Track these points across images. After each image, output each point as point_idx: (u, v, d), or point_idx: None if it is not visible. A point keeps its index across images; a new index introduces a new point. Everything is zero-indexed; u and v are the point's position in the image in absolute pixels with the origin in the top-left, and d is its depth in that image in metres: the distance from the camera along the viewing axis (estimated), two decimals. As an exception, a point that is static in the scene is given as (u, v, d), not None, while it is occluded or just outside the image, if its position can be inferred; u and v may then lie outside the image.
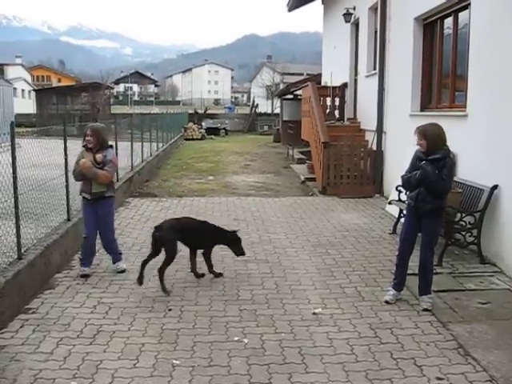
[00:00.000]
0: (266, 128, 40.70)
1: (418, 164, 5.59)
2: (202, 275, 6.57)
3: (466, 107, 8.20)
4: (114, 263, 6.85)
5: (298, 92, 23.63)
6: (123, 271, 6.74)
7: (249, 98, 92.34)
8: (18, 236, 5.82)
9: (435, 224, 5.69)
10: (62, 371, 4.28)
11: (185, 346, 4.75)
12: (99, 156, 6.42)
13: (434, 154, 5.45)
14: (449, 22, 9.41)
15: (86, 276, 6.52)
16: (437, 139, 5.47)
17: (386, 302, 5.75)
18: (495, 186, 7.08)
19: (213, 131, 37.50)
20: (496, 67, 7.27)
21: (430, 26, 10.17)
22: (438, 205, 5.54)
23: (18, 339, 4.82)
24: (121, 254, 6.95)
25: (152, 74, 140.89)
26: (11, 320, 5.18)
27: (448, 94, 9.43)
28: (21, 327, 5.07)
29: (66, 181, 7.58)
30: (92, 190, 6.49)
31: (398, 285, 5.86)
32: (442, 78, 9.80)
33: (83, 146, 6.55)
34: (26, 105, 49.16)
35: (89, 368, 4.33)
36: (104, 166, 6.44)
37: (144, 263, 6.17)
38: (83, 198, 6.64)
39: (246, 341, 4.85)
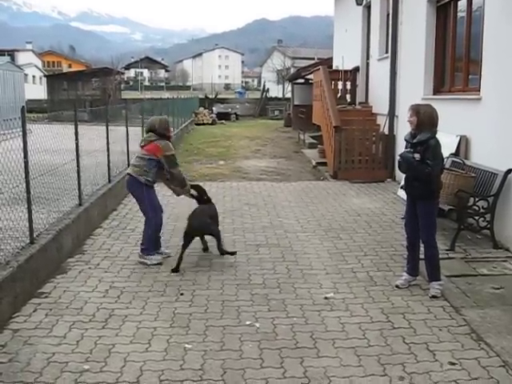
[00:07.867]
0: (276, 113, 40.56)
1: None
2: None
3: (479, 91, 8.08)
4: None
5: (309, 76, 23.47)
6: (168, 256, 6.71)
7: (259, 82, 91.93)
8: (30, 221, 5.85)
9: (428, 207, 5.55)
10: (74, 355, 4.30)
11: (197, 330, 4.76)
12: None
13: (421, 136, 5.38)
14: (462, 3, 9.25)
15: (159, 264, 6.50)
16: (427, 119, 5.38)
17: (397, 287, 5.73)
18: (509, 171, 7.00)
19: (223, 116, 37.39)
20: (510, 50, 7.15)
21: (443, 8, 10.01)
22: (427, 189, 5.43)
23: (30, 323, 4.86)
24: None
25: (162, 59, 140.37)
26: (24, 304, 5.22)
27: (461, 78, 9.29)
28: (34, 311, 5.11)
29: (78, 166, 7.59)
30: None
31: (411, 269, 5.82)
32: (456, 61, 9.66)
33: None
34: (37, 90, 49.15)
35: (101, 352, 4.36)
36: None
37: None
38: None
39: (257, 325, 4.85)
